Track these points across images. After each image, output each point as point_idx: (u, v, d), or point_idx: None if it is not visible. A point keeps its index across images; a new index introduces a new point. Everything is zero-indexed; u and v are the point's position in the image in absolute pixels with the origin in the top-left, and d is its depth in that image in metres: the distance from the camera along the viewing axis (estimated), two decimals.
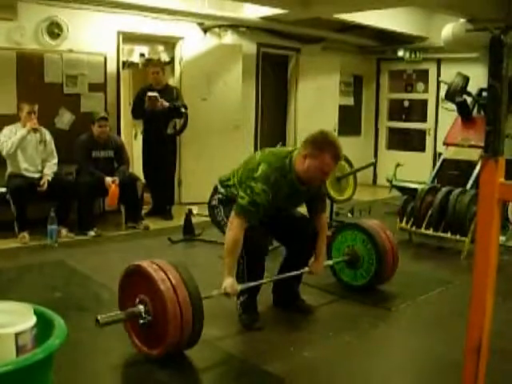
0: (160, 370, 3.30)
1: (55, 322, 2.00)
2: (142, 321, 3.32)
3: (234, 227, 3.74)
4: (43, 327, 1.96)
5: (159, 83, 7.69)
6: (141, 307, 3.33)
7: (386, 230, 4.81)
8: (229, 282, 3.70)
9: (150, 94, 7.37)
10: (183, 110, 7.66)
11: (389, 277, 4.80)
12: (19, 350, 1.84)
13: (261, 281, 4.01)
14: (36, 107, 6.50)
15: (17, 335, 1.84)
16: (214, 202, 4.19)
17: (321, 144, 3.72)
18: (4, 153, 6.38)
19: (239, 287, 3.78)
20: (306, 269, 4.26)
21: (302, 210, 4.32)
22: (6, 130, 6.43)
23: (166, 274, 3.30)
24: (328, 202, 6.69)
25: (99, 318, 3.20)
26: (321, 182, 4.03)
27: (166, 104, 7.45)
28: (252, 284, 3.92)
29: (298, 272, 4.26)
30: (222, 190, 4.13)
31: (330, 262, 4.77)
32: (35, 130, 6.49)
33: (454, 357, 2.87)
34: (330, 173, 3.88)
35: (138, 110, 7.66)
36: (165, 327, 3.23)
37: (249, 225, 3.75)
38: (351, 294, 4.74)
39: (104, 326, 3.23)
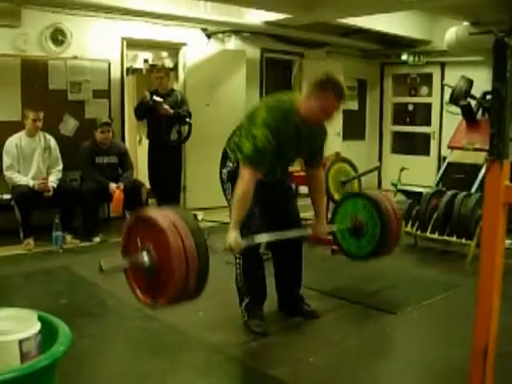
0: (166, 376, 3.29)
1: (60, 328, 1.99)
2: (145, 264, 3.19)
3: (245, 179, 3.66)
4: (47, 334, 1.96)
5: (164, 88, 7.70)
6: (144, 253, 3.20)
7: (388, 197, 4.77)
8: (232, 236, 3.57)
9: (155, 98, 7.39)
10: (187, 119, 7.66)
11: (393, 243, 4.68)
12: (23, 356, 1.83)
13: (265, 237, 3.87)
14: (41, 114, 6.52)
15: (21, 342, 1.83)
16: (224, 176, 4.10)
17: (324, 84, 3.71)
18: (6, 180, 6.44)
19: (244, 243, 3.63)
20: (309, 231, 4.23)
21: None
22: (10, 145, 6.47)
23: (168, 217, 3.19)
24: (332, 206, 6.71)
25: (102, 263, 3.15)
26: (324, 121, 3.92)
27: (171, 111, 7.44)
28: (257, 241, 3.78)
29: (301, 234, 4.18)
30: (232, 156, 4.01)
31: (334, 228, 4.69)
32: (45, 191, 6.44)
33: (461, 361, 2.85)
34: (333, 113, 3.80)
35: (141, 111, 7.65)
36: (169, 271, 3.11)
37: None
38: (356, 298, 4.73)
39: (107, 273, 3.19)
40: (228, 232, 3.60)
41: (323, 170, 4.38)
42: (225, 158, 4.11)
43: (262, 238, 3.86)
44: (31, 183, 6.34)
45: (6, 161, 6.42)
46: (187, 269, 3.11)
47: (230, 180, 4.04)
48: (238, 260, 3.96)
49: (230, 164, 4.03)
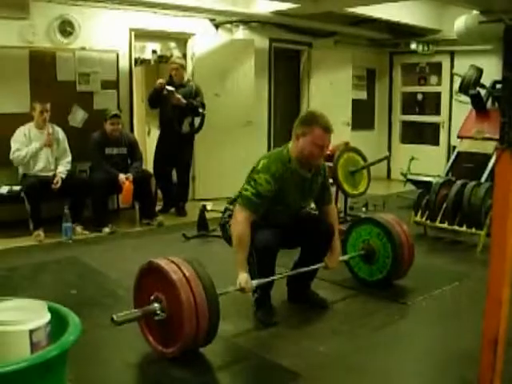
0: (176, 366, 3.30)
1: (69, 318, 2.01)
2: (157, 318, 3.31)
3: (239, 222, 3.75)
4: (57, 324, 1.97)
5: (179, 80, 7.69)
6: (156, 305, 3.32)
7: (402, 224, 4.77)
8: (243, 278, 3.69)
9: (168, 87, 7.38)
10: (201, 110, 7.64)
11: (405, 271, 4.75)
12: (33, 346, 1.84)
13: (274, 277, 4.00)
14: (48, 106, 6.52)
15: (31, 332, 1.84)
16: (224, 221, 4.19)
17: (308, 120, 3.83)
18: (15, 163, 6.45)
19: (254, 282, 3.77)
20: (322, 264, 4.24)
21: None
22: (19, 133, 6.48)
23: (181, 271, 3.29)
24: (342, 196, 6.71)
25: (115, 316, 3.19)
26: (320, 158, 3.97)
27: (184, 101, 7.43)
28: (266, 280, 3.90)
29: (314, 267, 4.23)
30: (231, 207, 4.11)
31: (346, 257, 4.73)
32: (49, 146, 6.50)
33: (471, 350, 2.85)
34: (324, 146, 3.86)
35: (153, 99, 7.64)
36: (180, 325, 3.22)
37: (258, 224, 3.76)
38: (367, 288, 4.72)
39: (120, 325, 3.24)
40: (238, 274, 3.73)
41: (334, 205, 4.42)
42: (224, 211, 4.24)
43: (275, 276, 4.01)
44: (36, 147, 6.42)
45: (14, 146, 6.43)
46: (197, 321, 3.23)
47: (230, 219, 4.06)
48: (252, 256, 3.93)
49: (230, 209, 4.12)
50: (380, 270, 4.68)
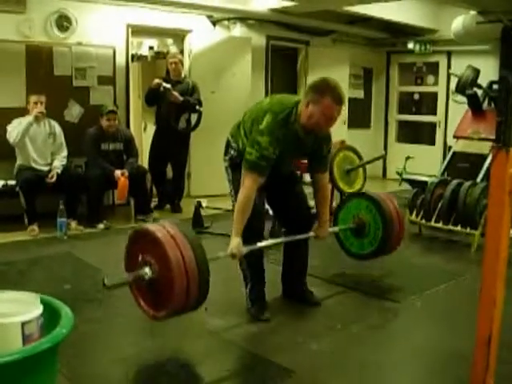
0: (169, 361, 3.30)
1: (62, 311, 2.00)
2: (146, 277, 3.26)
3: (247, 187, 3.69)
4: (50, 317, 1.97)
5: (177, 75, 7.67)
6: (146, 269, 3.27)
7: (392, 198, 4.80)
8: (235, 243, 3.65)
9: (164, 85, 7.37)
10: (198, 107, 7.63)
11: (395, 244, 4.76)
12: (25, 339, 1.84)
13: (266, 243, 3.99)
14: (43, 97, 6.50)
15: (23, 324, 1.84)
16: (226, 163, 4.17)
17: (321, 88, 3.66)
18: (11, 141, 6.38)
19: (245, 249, 3.71)
20: (311, 233, 4.22)
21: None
22: (15, 121, 6.44)
23: (169, 233, 3.27)
24: (337, 194, 6.71)
25: (106, 280, 3.18)
26: (326, 129, 3.89)
27: (180, 98, 7.42)
28: (257, 246, 3.87)
29: (304, 236, 4.20)
30: (234, 145, 4.07)
31: (336, 229, 4.75)
32: (42, 114, 6.47)
33: (464, 349, 2.85)
34: (333, 118, 3.74)
35: (150, 97, 7.63)
36: (170, 284, 3.18)
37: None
38: (359, 286, 4.73)
39: (110, 289, 3.22)
40: (231, 239, 3.69)
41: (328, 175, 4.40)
42: (227, 146, 4.18)
43: (265, 243, 3.99)
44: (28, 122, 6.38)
45: (9, 128, 6.39)
46: (188, 281, 3.19)
47: (230, 166, 4.13)
48: None
49: (232, 151, 4.10)
50: (371, 242, 4.68)
